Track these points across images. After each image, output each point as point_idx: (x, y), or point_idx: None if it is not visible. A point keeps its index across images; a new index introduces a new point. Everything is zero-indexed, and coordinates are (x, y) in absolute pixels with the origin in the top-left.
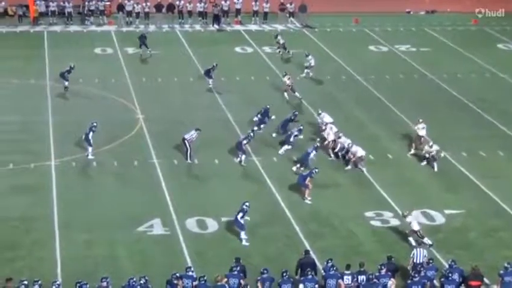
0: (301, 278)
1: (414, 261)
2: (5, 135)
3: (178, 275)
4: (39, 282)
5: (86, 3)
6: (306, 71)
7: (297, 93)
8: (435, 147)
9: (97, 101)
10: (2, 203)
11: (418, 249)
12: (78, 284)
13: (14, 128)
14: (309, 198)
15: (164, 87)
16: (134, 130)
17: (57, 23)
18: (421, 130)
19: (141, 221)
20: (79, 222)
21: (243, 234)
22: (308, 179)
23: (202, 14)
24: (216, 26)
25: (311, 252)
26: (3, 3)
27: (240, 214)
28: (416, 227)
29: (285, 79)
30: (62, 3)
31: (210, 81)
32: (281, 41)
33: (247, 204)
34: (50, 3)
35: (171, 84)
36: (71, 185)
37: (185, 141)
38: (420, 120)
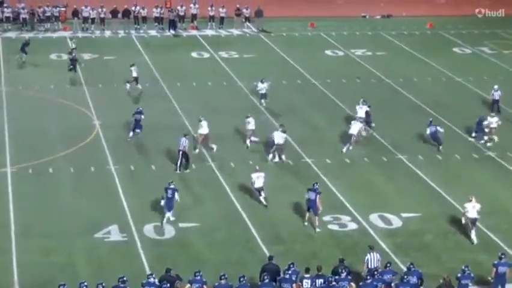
0: (259, 283)
1: (369, 266)
2: None
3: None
4: None
5: (41, 9)
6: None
7: (139, 85)
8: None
9: (53, 107)
10: None
11: (372, 253)
12: None
13: None
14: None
15: (121, 93)
16: (91, 136)
17: (12, 29)
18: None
19: (98, 227)
20: (36, 229)
21: (169, 215)
22: (318, 197)
23: (158, 20)
24: (172, 32)
25: (265, 257)
26: None
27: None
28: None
29: (132, 69)
30: (16, 9)
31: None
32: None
33: (172, 185)
34: (5, 10)
35: (125, 90)
36: (28, 192)
37: (180, 152)
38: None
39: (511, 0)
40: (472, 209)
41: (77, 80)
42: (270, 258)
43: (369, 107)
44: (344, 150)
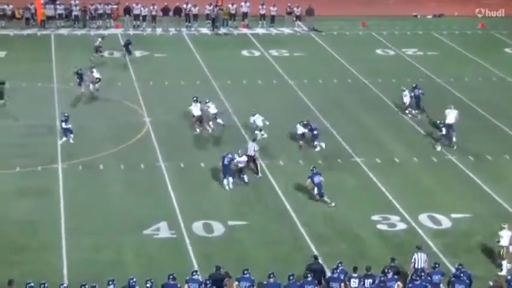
0: (301, 281)
1: (416, 266)
2: (12, 138)
3: (187, 278)
4: (46, 285)
5: (93, 6)
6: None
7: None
8: None
9: (104, 104)
10: (9, 206)
11: (419, 253)
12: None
13: (22, 131)
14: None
15: (171, 91)
16: (141, 133)
17: (65, 26)
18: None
19: (147, 224)
20: (86, 225)
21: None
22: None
23: (210, 18)
24: (216, 30)
25: (317, 257)
26: (10, 6)
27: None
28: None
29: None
30: (69, 6)
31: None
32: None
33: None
34: (58, 7)
35: (178, 87)
36: (78, 188)
37: (253, 158)
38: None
39: None
40: (506, 237)
41: (128, 77)
42: (315, 257)
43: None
44: (439, 148)
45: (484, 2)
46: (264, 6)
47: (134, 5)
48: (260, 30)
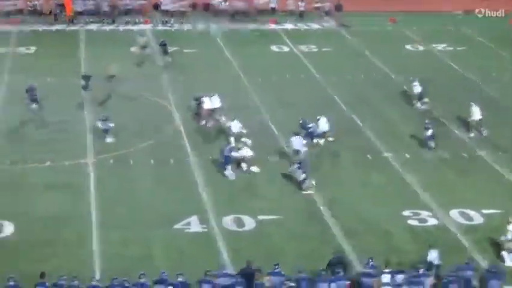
0: (332, 277)
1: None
2: (42, 133)
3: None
4: (78, 279)
5: (122, 2)
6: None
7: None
8: None
9: (134, 99)
10: (40, 200)
11: (432, 251)
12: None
13: (51, 126)
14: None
15: (200, 86)
16: (171, 129)
17: (94, 21)
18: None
19: (178, 218)
20: (116, 220)
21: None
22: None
23: (239, 13)
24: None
25: (343, 251)
26: (40, 1)
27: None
28: None
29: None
30: (98, 2)
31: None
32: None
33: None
34: (87, 2)
35: (207, 83)
36: (108, 183)
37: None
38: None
39: None
40: None
41: (158, 72)
42: (337, 251)
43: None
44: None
45: None
46: (293, 2)
47: (162, 0)
48: (289, 26)
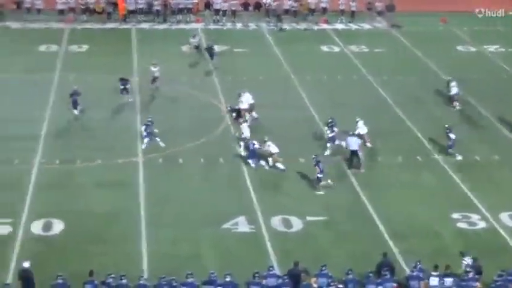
0: (380, 280)
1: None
2: (93, 131)
3: (264, 274)
4: (126, 277)
5: (174, 1)
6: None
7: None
8: None
9: (185, 98)
10: (90, 198)
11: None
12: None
13: (102, 124)
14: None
15: (251, 86)
16: (221, 128)
17: (146, 20)
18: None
19: (226, 218)
20: (165, 218)
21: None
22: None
23: (290, 13)
24: (279, 26)
25: (392, 253)
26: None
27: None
28: None
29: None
30: (150, 0)
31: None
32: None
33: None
34: (139, 1)
35: (257, 82)
36: (158, 181)
37: (354, 152)
38: None
39: None
40: None
41: (208, 72)
42: (385, 254)
43: None
44: None
45: None
46: (344, 2)
47: None
48: (340, 26)
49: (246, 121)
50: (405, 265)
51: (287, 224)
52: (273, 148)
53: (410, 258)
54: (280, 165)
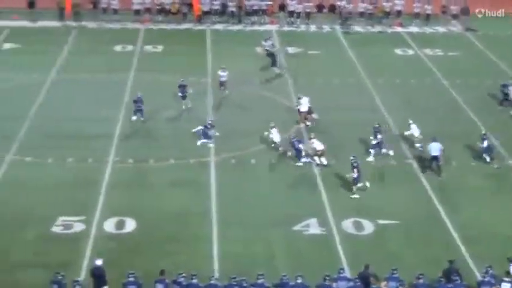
0: (450, 285)
1: None
2: (166, 130)
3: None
4: (197, 277)
5: (249, 2)
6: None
7: (226, 91)
8: None
9: (257, 99)
10: (163, 197)
11: None
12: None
13: (175, 123)
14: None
15: (324, 88)
16: (293, 129)
17: (220, 21)
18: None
19: (297, 220)
20: (236, 218)
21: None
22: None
23: (364, 15)
24: (342, 28)
25: (463, 258)
26: (168, 0)
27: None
28: None
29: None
30: (225, 1)
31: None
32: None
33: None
34: (214, 2)
35: (331, 85)
36: (230, 182)
37: (435, 157)
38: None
39: None
40: None
41: (282, 74)
42: (451, 261)
43: None
44: None
45: None
46: (419, 5)
47: (289, 1)
48: (414, 29)
49: (307, 125)
50: (476, 270)
51: (358, 226)
52: (317, 145)
53: (481, 264)
54: (324, 161)
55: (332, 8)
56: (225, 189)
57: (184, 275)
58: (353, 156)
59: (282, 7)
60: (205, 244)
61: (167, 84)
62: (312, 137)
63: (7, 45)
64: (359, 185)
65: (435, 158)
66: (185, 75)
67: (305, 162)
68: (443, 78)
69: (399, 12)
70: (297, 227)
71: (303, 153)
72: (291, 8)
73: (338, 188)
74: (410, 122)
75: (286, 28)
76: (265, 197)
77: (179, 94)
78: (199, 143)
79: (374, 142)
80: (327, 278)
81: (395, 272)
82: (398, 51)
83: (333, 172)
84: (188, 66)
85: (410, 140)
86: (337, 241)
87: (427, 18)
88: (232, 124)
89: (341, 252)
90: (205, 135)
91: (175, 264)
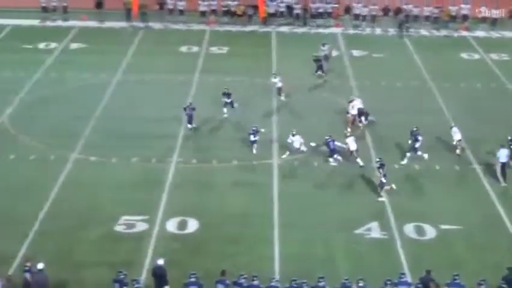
0: None
1: None
2: (229, 132)
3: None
4: (258, 278)
5: (314, 5)
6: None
7: (282, 97)
8: None
9: (321, 102)
10: (226, 198)
11: None
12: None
13: (239, 125)
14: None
15: (388, 91)
16: (356, 133)
17: (286, 23)
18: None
19: (359, 223)
20: (298, 220)
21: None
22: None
23: (430, 19)
24: (401, 32)
25: None
26: (235, 2)
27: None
28: None
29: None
30: (290, 4)
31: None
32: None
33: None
34: (280, 4)
35: (394, 88)
36: (292, 184)
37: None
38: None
39: None
40: None
41: (346, 76)
42: (509, 269)
43: None
44: None
45: None
46: (486, 9)
47: (354, 4)
48: (480, 33)
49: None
50: None
51: (420, 231)
52: (352, 145)
53: None
54: (360, 162)
55: (398, 11)
56: (287, 191)
57: (245, 276)
58: (379, 159)
59: (348, 10)
60: (267, 245)
61: (232, 86)
62: (348, 135)
63: (75, 45)
64: (387, 187)
65: (503, 164)
66: (249, 77)
67: (336, 160)
68: (509, 83)
69: (465, 17)
70: (358, 231)
71: (337, 154)
72: (356, 11)
73: (400, 192)
74: (452, 125)
75: (351, 31)
76: (327, 200)
77: (225, 100)
78: (254, 151)
79: (415, 145)
80: (388, 282)
81: (456, 277)
82: (464, 56)
83: (396, 175)
84: (253, 69)
85: (474, 145)
86: (398, 245)
87: (494, 23)
88: (295, 125)
89: (402, 257)
90: (251, 141)
91: (236, 265)
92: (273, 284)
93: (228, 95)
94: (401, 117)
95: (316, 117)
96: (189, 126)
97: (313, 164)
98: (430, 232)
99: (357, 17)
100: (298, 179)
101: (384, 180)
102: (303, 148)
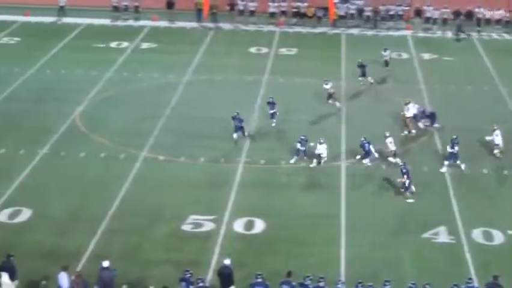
0: None
1: None
2: (297, 133)
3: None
4: (324, 280)
5: (385, 7)
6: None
7: (336, 103)
8: None
9: (387, 104)
10: (293, 199)
11: None
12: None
13: (306, 126)
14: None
15: (457, 95)
16: (425, 137)
17: (356, 25)
18: None
19: (427, 227)
20: (365, 222)
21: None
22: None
23: (501, 23)
24: (459, 35)
25: None
26: (305, 3)
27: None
28: None
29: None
30: (360, 6)
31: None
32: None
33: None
34: (350, 6)
35: (464, 92)
36: (359, 186)
37: None
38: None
39: None
40: None
41: (414, 80)
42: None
43: None
44: None
45: None
46: None
47: (425, 7)
48: None
49: (410, 132)
50: None
51: (488, 236)
52: (391, 146)
53: None
54: (399, 161)
55: (469, 15)
56: (354, 194)
57: (311, 277)
58: (403, 162)
59: (418, 13)
60: (333, 248)
61: (301, 87)
62: (387, 135)
63: (145, 45)
64: (413, 188)
65: None
66: (318, 79)
67: (372, 159)
68: None
69: None
70: (425, 235)
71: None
72: (427, 14)
73: (469, 197)
74: (495, 127)
75: (421, 34)
76: (395, 203)
77: (270, 111)
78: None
79: (450, 151)
80: (455, 287)
81: None
82: None
83: (465, 180)
84: (322, 71)
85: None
86: (466, 250)
87: None
88: (362, 130)
89: (470, 262)
90: (296, 151)
91: (302, 267)
92: (339, 286)
93: (272, 104)
94: (465, 120)
95: (382, 120)
96: (235, 136)
97: (381, 167)
98: (498, 237)
99: (428, 20)
100: (366, 181)
101: (408, 183)
102: (324, 155)
